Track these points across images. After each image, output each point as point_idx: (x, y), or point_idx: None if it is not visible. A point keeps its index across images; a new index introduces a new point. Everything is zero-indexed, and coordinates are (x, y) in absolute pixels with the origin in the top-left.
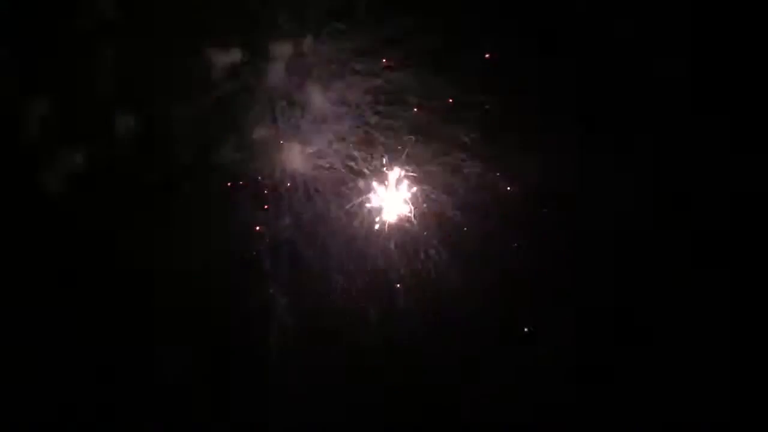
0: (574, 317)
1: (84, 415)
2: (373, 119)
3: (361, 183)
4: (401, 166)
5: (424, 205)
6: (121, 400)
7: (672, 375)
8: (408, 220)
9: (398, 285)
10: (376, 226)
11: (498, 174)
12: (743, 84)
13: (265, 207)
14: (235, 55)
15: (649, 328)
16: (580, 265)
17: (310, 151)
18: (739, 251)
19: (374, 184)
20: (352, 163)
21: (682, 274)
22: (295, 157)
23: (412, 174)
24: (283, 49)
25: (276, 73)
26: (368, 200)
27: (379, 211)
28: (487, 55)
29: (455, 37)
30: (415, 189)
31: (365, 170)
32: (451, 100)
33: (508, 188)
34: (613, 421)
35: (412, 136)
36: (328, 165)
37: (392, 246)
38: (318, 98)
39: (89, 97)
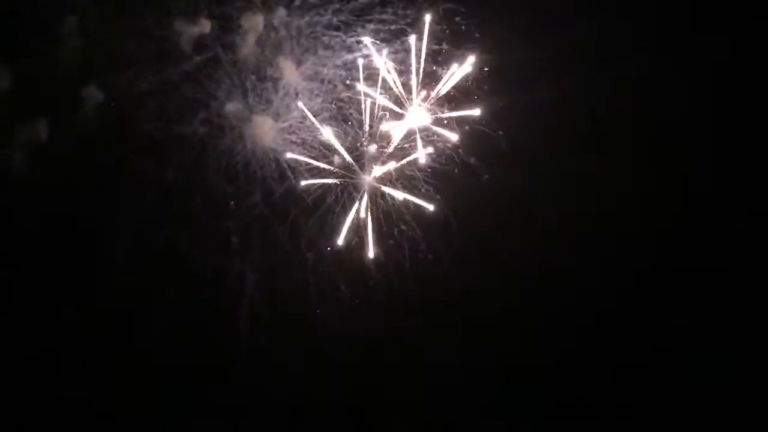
0: None
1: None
2: (346, 94)
3: (334, 159)
4: (374, 142)
5: (398, 182)
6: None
7: None
8: (382, 195)
9: (372, 263)
10: (350, 203)
11: (471, 151)
12: None
13: (236, 182)
14: (204, 27)
15: None
16: None
17: (282, 126)
18: None
19: (347, 160)
20: (325, 139)
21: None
22: (266, 133)
23: (385, 150)
24: (253, 22)
25: (247, 46)
26: (341, 176)
27: (352, 187)
28: (462, 26)
29: (428, 11)
30: (387, 165)
31: (338, 146)
32: (422, 75)
33: (480, 167)
34: None
35: (386, 113)
36: (300, 141)
37: (366, 223)
38: (290, 73)
39: (54, 70)
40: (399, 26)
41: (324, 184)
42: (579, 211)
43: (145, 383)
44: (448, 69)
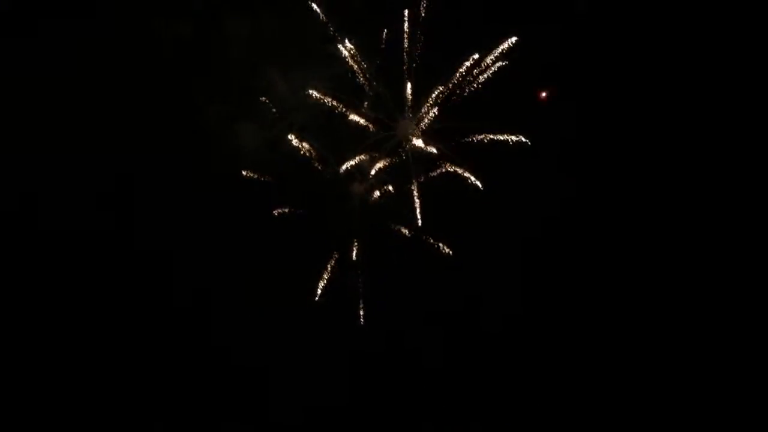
0: None
1: None
2: (336, 107)
3: (322, 171)
4: (363, 154)
5: (387, 191)
6: None
7: None
8: (369, 206)
9: (359, 272)
10: (338, 214)
11: (459, 161)
12: None
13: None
14: (188, 30)
15: None
16: None
17: (269, 136)
18: None
19: (336, 173)
20: (313, 151)
21: None
22: (252, 143)
23: (373, 162)
24: (241, 28)
25: (233, 52)
26: (330, 189)
27: (340, 199)
28: (453, 40)
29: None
30: (377, 177)
31: (327, 158)
32: (413, 89)
33: (467, 176)
34: None
35: (374, 127)
36: (287, 151)
37: (354, 233)
38: (277, 82)
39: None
40: (389, 37)
41: (311, 195)
42: None
43: None
44: (439, 81)
